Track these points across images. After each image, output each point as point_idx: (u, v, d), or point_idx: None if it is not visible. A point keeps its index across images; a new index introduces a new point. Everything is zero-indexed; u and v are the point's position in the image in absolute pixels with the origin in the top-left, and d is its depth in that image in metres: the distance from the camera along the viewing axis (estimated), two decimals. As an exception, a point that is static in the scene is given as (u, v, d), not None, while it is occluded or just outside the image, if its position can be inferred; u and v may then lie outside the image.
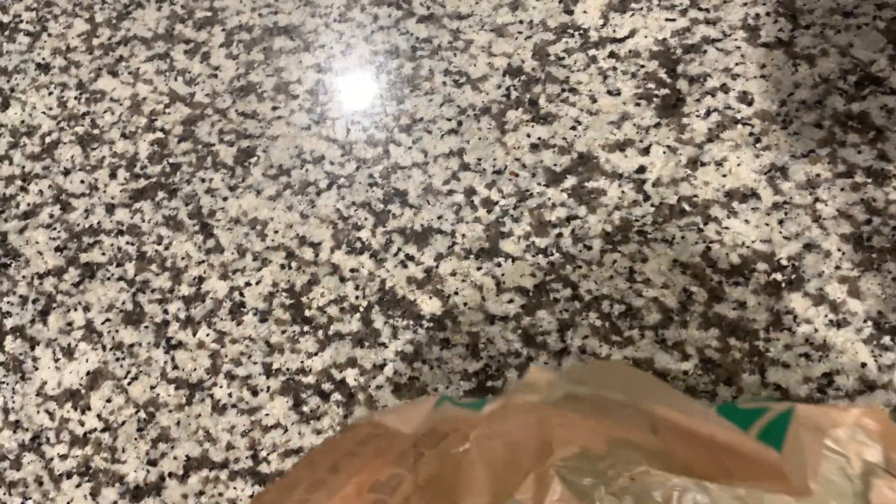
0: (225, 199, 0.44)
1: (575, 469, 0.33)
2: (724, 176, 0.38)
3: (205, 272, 0.42)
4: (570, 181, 0.40)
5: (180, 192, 0.44)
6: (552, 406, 0.27)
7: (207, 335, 0.41)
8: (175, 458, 0.39)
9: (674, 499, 0.33)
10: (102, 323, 0.42)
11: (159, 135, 0.46)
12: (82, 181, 0.46)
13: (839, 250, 0.36)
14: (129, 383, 0.41)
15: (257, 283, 0.42)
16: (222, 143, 0.45)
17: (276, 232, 0.42)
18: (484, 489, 0.32)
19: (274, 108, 0.45)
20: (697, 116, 0.40)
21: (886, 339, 0.34)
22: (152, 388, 0.40)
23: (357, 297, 0.40)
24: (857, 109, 0.38)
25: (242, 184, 0.44)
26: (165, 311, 0.42)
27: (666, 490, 0.33)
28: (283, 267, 0.42)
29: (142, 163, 0.46)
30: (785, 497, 0.29)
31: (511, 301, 0.39)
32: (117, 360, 0.41)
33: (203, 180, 0.45)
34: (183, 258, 0.43)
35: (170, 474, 0.39)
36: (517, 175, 0.41)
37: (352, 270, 0.41)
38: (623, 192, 0.39)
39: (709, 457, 0.25)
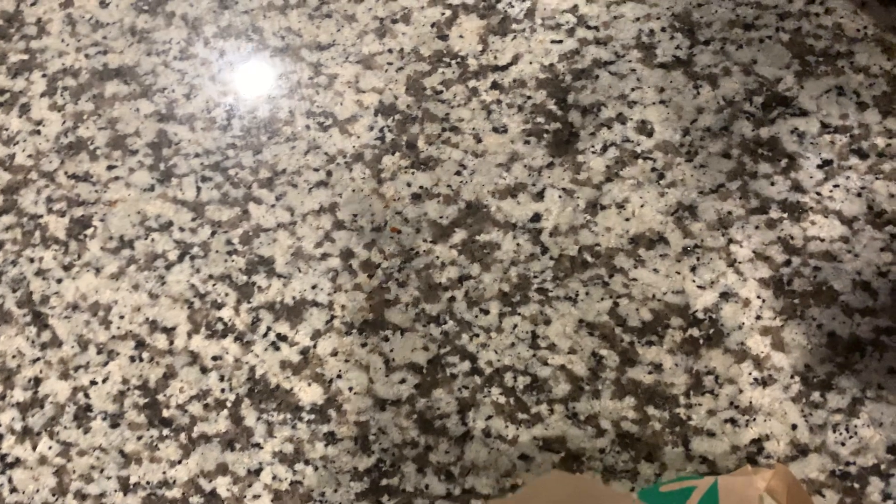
0: (59, 280, 0.37)
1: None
2: (628, 220, 0.34)
3: (41, 371, 0.36)
4: (460, 235, 0.35)
5: (4, 277, 0.37)
6: None
7: (50, 448, 0.35)
8: None
9: None
10: (-82, 445, 0.35)
11: (-25, 206, 0.39)
12: None
13: (759, 297, 0.32)
14: (-45, 518, 0.34)
15: (104, 381, 0.35)
16: (52, 214, 0.38)
17: (121, 317, 0.36)
18: None
19: (110, 168, 0.38)
20: (593, 153, 0.35)
21: (816, 396, 0.31)
22: (-15, 521, 0.34)
23: (223, 390, 0.34)
24: (767, 135, 0.34)
25: (78, 261, 0.37)
26: (-4, 423, 0.35)
27: None
28: (132, 359, 0.35)
29: (-44, 242, 0.38)
30: None
31: (403, 381, 0.33)
32: (-60, 489, 0.34)
33: (31, 260, 0.38)
34: (14, 356, 0.36)
35: None
36: (399, 231, 0.35)
37: (214, 358, 0.35)
38: (518, 244, 0.35)
39: None
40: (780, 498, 0.30)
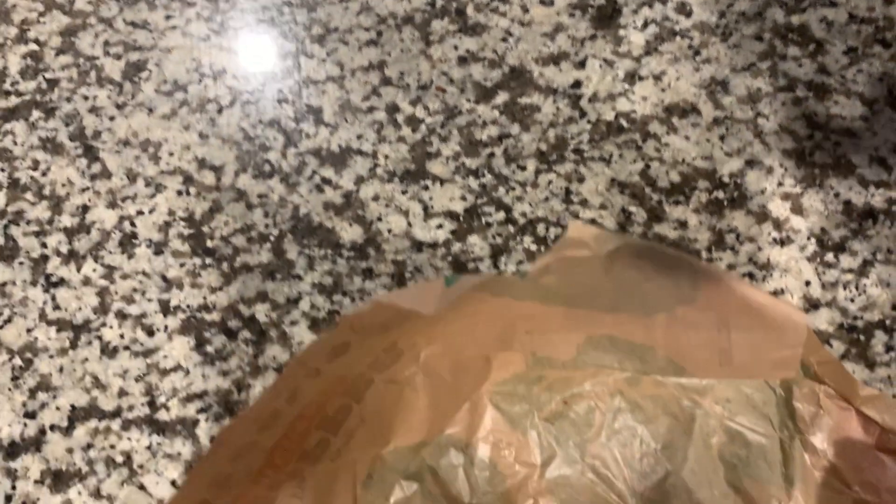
0: (112, 118, 0.38)
1: (508, 395, 0.31)
2: (663, 91, 0.36)
3: (90, 200, 0.37)
4: (502, 97, 0.37)
5: (59, 112, 0.39)
6: (539, 303, 0.24)
7: (94, 270, 0.36)
8: (58, 408, 0.34)
9: (606, 421, 0.31)
10: (-34, 259, 0.36)
11: (33, 47, 0.40)
12: (-61, 99, 0.40)
13: (781, 166, 0.34)
14: (0, 327, 0.35)
15: (151, 212, 0.37)
16: (108, 56, 0.40)
17: (171, 154, 0.37)
18: (421, 423, 0.29)
19: (168, 17, 0.40)
20: (634, 28, 0.37)
21: (829, 256, 0.33)
22: (29, 331, 0.35)
23: (266, 226, 0.36)
24: (797, 22, 0.36)
25: (132, 101, 0.39)
26: (44, 245, 0.36)
27: (599, 412, 0.31)
28: (180, 193, 0.37)
29: (12, 78, 0.40)
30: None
31: (440, 226, 0.35)
32: (-15, 300, 0.36)
33: (86, 98, 0.39)
34: (64, 185, 0.37)
35: (52, 427, 0.34)
36: (444, 90, 0.37)
37: (260, 196, 0.36)
38: (558, 108, 0.36)
39: (716, 337, 0.23)
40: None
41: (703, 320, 0.22)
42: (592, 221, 0.34)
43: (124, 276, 0.36)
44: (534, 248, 0.34)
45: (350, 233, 0.35)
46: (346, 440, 0.26)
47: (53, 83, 0.39)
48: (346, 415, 0.25)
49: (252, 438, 0.21)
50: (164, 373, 0.34)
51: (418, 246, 0.35)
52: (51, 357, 0.35)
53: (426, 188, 0.36)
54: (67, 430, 0.33)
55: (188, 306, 0.35)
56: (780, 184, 0.34)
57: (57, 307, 0.36)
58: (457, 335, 0.26)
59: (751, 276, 0.33)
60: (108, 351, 0.35)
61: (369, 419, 0.27)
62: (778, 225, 0.34)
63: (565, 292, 0.23)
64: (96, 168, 0.38)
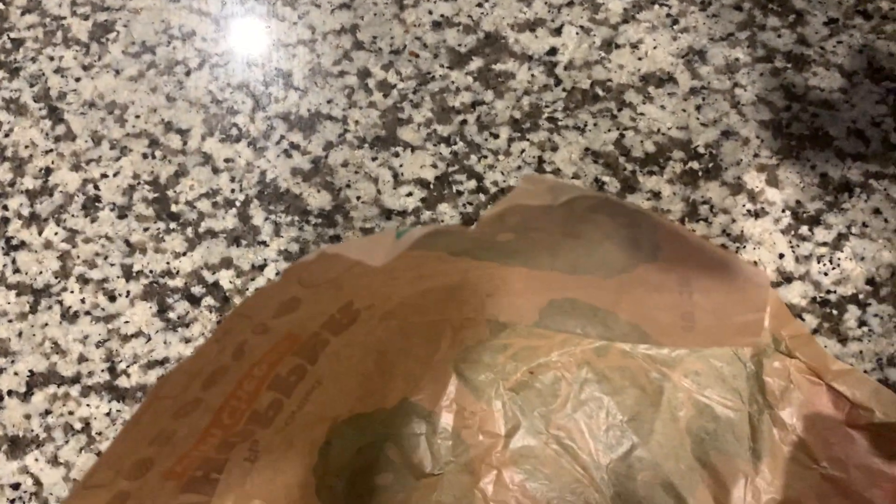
0: (78, 79, 0.38)
1: (473, 363, 0.30)
2: (640, 59, 0.35)
3: (53, 162, 0.36)
4: (476, 63, 0.36)
5: (24, 72, 0.38)
6: (499, 264, 0.23)
7: (56, 234, 0.35)
8: (16, 373, 0.33)
9: (572, 392, 0.31)
10: (-75, 220, 0.35)
11: (-3, 6, 0.39)
12: None
13: (758, 137, 0.34)
14: (-42, 289, 0.34)
15: (115, 175, 0.36)
16: (75, 17, 0.39)
17: (137, 117, 0.37)
18: (382, 389, 0.29)
19: (136, -23, 0.39)
20: (613, -5, 0.36)
21: (804, 229, 0.32)
22: (-13, 294, 0.34)
23: (232, 191, 0.35)
24: (778, -9, 0.36)
25: (99, 62, 0.38)
26: (5, 207, 0.36)
27: (566, 383, 0.31)
28: (145, 156, 0.36)
29: (-24, 38, 0.39)
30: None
31: (410, 194, 0.35)
32: (-56, 263, 0.35)
33: (51, 58, 0.38)
34: (27, 147, 0.37)
35: (9, 392, 0.33)
36: (417, 55, 0.36)
37: (226, 160, 0.36)
38: (533, 75, 0.36)
39: (678, 300, 0.22)
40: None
41: (665, 281, 0.22)
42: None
43: (87, 240, 0.35)
44: (504, 217, 0.34)
45: (318, 199, 0.35)
46: (300, 403, 0.25)
47: (18, 43, 0.38)
48: (301, 376, 0.24)
49: (196, 395, 0.21)
50: (125, 339, 0.33)
51: (387, 214, 0.34)
52: (10, 321, 0.34)
53: (397, 155, 0.35)
54: (25, 396, 0.33)
55: (151, 271, 0.34)
56: (755, 155, 0.34)
57: (17, 270, 0.35)
58: (416, 298, 0.25)
59: (724, 248, 0.32)
60: (69, 316, 0.34)
61: (326, 383, 0.26)
62: (753, 197, 0.33)
63: (525, 252, 0.23)
64: (60, 130, 0.37)
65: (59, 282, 0.35)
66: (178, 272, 0.34)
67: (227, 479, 0.24)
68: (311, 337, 0.23)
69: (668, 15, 0.36)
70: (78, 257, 0.35)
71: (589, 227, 0.20)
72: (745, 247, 0.32)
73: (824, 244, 0.32)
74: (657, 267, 0.21)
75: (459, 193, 0.34)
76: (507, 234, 0.21)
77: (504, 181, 0.34)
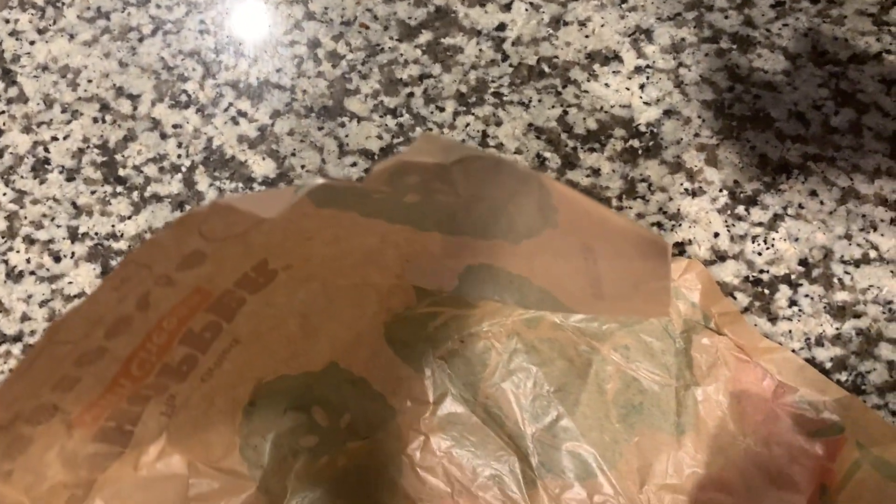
0: (32, 42, 0.38)
1: (402, 329, 0.31)
2: (587, 37, 0.36)
3: (4, 124, 0.37)
4: (426, 36, 0.36)
5: (-21, 34, 0.38)
6: (414, 229, 0.24)
7: (4, 194, 0.35)
8: (-42, 330, 0.34)
9: (501, 362, 0.31)
10: None
11: (-43, -32, 0.40)
12: None
13: (699, 117, 0.34)
14: None
15: (65, 138, 0.36)
16: (31, -20, 0.39)
17: (89, 81, 0.37)
18: (307, 351, 0.29)
19: (94, -57, 0.39)
20: (563, -28, 0.36)
21: (740, 209, 0.33)
22: (-67, 251, 0.35)
23: (179, 156, 0.35)
24: (727, -27, 0.36)
25: (53, 26, 0.38)
26: (-45, 167, 0.36)
27: (495, 353, 0.31)
28: (95, 121, 0.36)
29: (-66, -1, 0.39)
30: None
31: (354, 164, 0.35)
32: None
33: (7, 21, 0.38)
34: (-21, 108, 0.37)
35: (-49, 348, 0.33)
36: (368, 27, 0.37)
37: (174, 126, 0.36)
38: (481, 49, 0.36)
39: (584, 266, 0.22)
40: (692, 293, 0.32)
41: (569, 246, 0.22)
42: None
43: (34, 202, 0.35)
44: (446, 189, 0.34)
45: (262, 167, 0.35)
46: (217, 361, 0.26)
47: (-25, 5, 0.39)
48: (216, 334, 0.25)
49: (99, 344, 0.21)
50: (69, 299, 0.34)
51: (331, 183, 0.35)
52: (-46, 278, 0.34)
53: (343, 125, 0.35)
54: (-34, 352, 0.33)
55: (96, 234, 0.35)
56: (696, 135, 0.34)
57: (-35, 230, 0.35)
58: (335, 259, 0.26)
59: (659, 225, 0.33)
60: (14, 275, 0.34)
61: (246, 342, 0.26)
62: (691, 176, 0.33)
63: (434, 216, 0.23)
64: (13, 92, 0.37)
65: (6, 241, 0.35)
66: (122, 235, 0.35)
67: (141, 431, 0.25)
68: (224, 294, 0.24)
69: (618, -7, 0.36)
70: (25, 218, 0.35)
71: (490, 188, 0.20)
72: (680, 225, 0.33)
73: (759, 224, 0.32)
74: (560, 231, 0.21)
75: (403, 165, 0.35)
76: (412, 196, 0.21)
77: (448, 154, 0.35)
